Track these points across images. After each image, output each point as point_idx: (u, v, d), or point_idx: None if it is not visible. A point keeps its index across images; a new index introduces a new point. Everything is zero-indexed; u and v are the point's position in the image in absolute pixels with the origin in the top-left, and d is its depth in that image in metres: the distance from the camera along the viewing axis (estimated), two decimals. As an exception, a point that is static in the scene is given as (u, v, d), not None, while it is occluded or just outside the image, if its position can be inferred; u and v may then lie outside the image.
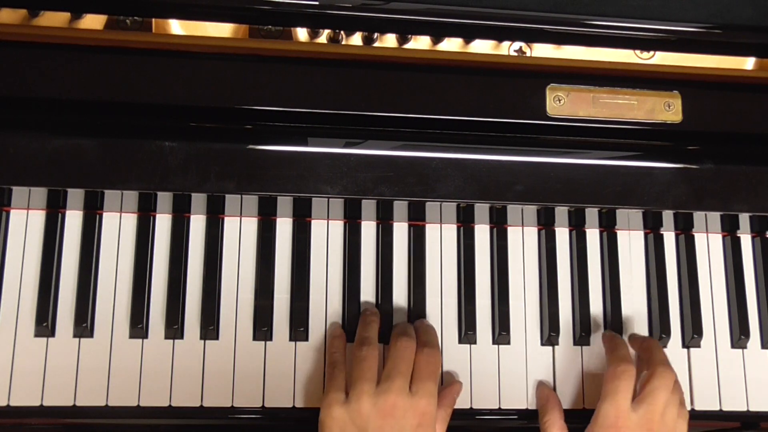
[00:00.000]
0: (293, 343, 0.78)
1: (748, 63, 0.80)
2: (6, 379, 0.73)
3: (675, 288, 0.84)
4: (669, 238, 0.85)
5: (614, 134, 0.77)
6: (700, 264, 0.85)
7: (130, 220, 0.78)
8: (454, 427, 0.77)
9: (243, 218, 0.80)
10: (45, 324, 0.74)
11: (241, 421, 0.76)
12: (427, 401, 0.71)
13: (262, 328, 0.77)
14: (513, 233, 0.83)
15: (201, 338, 0.77)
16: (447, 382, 0.79)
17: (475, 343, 0.80)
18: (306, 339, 0.78)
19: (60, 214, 0.77)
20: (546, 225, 0.83)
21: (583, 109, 0.75)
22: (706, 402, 0.81)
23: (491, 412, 0.79)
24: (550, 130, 0.76)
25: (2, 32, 0.71)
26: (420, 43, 0.77)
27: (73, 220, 0.77)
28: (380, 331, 0.77)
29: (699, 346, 0.83)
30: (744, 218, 0.84)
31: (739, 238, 0.86)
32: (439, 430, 0.74)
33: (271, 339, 0.77)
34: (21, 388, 0.73)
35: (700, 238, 0.86)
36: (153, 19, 0.74)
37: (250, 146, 0.72)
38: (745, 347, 0.84)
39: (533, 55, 0.78)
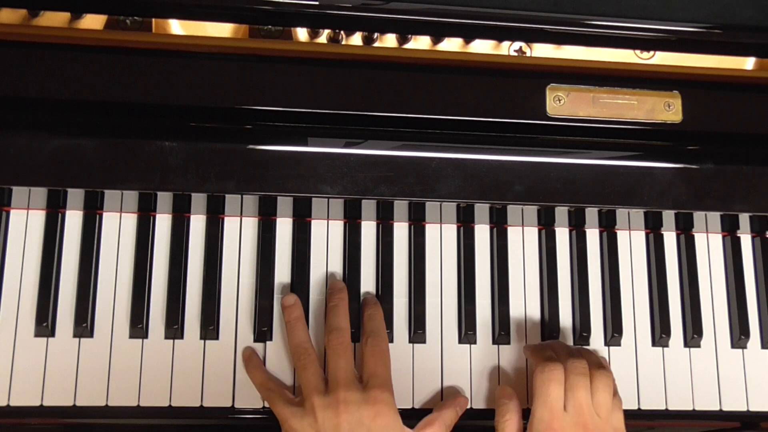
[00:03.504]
0: (293, 343, 0.78)
1: (748, 63, 0.80)
2: (6, 379, 0.73)
3: (675, 288, 0.84)
4: (669, 238, 0.85)
5: (614, 134, 0.77)
6: (700, 264, 0.85)
7: (130, 220, 0.78)
8: (454, 427, 0.77)
9: (243, 218, 0.80)
10: (45, 324, 0.74)
11: (241, 421, 0.76)
12: (379, 390, 0.71)
13: (262, 328, 0.77)
14: (513, 233, 0.83)
15: (201, 338, 0.77)
16: (452, 393, 0.78)
17: (475, 343, 0.80)
18: (306, 339, 0.78)
19: (60, 214, 0.77)
20: (546, 225, 0.83)
21: (583, 109, 0.75)
22: (706, 402, 0.81)
23: (491, 412, 0.78)
24: (550, 130, 0.76)
25: (2, 32, 0.71)
26: (420, 43, 0.77)
27: (73, 220, 0.77)
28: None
29: (699, 346, 0.83)
30: (744, 218, 0.84)
31: (739, 238, 0.86)
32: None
33: (271, 339, 0.77)
34: (21, 388, 0.73)
35: (700, 238, 0.86)
36: (153, 19, 0.74)
37: (250, 146, 0.72)
38: (745, 347, 0.84)
39: (533, 55, 0.78)
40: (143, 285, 0.76)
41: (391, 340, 0.78)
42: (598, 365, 0.73)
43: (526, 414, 0.75)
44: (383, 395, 0.71)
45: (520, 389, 0.79)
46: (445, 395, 0.78)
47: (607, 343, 0.82)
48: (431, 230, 0.82)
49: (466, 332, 0.79)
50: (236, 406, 0.75)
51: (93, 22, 0.73)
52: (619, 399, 0.74)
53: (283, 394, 0.73)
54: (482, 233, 0.83)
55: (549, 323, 0.81)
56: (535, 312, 0.82)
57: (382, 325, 0.77)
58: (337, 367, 0.72)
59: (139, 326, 0.75)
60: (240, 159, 0.71)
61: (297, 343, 0.75)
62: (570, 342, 0.82)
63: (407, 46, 0.77)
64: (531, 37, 0.77)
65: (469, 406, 0.78)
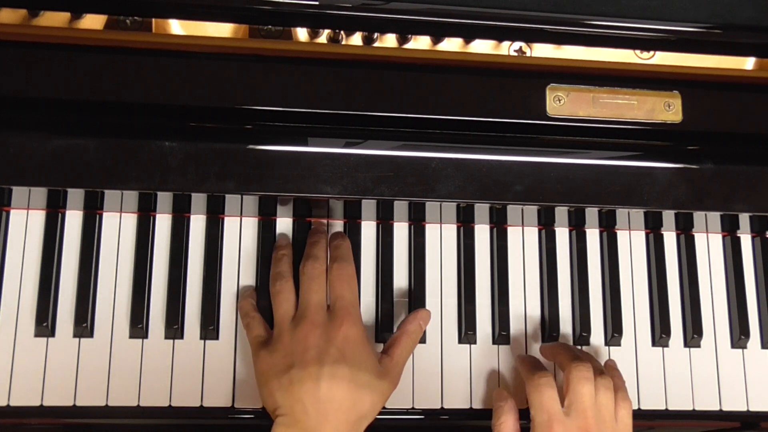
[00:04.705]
0: (293, 343, 0.78)
1: (748, 63, 0.80)
2: (6, 379, 0.73)
3: (675, 288, 0.84)
4: (669, 238, 0.85)
5: (614, 134, 0.77)
6: (700, 264, 0.85)
7: (130, 220, 0.78)
8: (454, 428, 0.77)
9: (243, 218, 0.80)
10: (45, 324, 0.74)
11: (241, 421, 0.76)
12: (345, 311, 0.72)
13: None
14: (513, 233, 0.83)
15: (201, 338, 0.77)
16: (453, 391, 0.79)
17: (474, 343, 0.80)
18: (306, 339, 0.78)
19: (60, 214, 0.77)
20: (546, 225, 0.83)
21: (583, 109, 0.75)
22: (706, 402, 0.82)
23: (491, 412, 0.78)
24: (550, 130, 0.76)
25: (2, 32, 0.71)
26: (420, 43, 0.77)
27: (73, 220, 0.77)
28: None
29: (699, 346, 0.83)
30: (744, 218, 0.84)
31: (739, 238, 0.86)
32: (396, 353, 0.74)
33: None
34: (21, 388, 0.73)
35: (700, 238, 0.86)
36: (153, 19, 0.74)
37: (250, 146, 0.72)
38: (745, 347, 0.84)
39: (533, 55, 0.78)
40: (143, 285, 0.76)
41: (391, 340, 0.78)
42: (599, 371, 0.73)
43: (524, 414, 0.75)
44: (349, 313, 0.72)
45: (519, 389, 0.79)
46: (445, 393, 0.78)
47: (607, 343, 0.82)
48: (431, 230, 0.82)
49: (466, 332, 0.79)
50: (236, 406, 0.75)
51: (93, 22, 0.73)
52: (628, 401, 0.73)
53: (262, 324, 0.74)
54: (482, 233, 0.83)
55: (549, 323, 0.81)
56: (535, 312, 0.82)
57: (349, 253, 0.77)
58: (310, 291, 0.73)
59: (139, 326, 0.75)
60: (240, 159, 0.71)
61: (277, 272, 0.76)
62: (569, 342, 0.82)
63: (407, 46, 0.77)
64: (531, 37, 0.77)
65: (468, 406, 0.78)
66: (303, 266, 0.75)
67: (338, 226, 0.81)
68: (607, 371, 0.76)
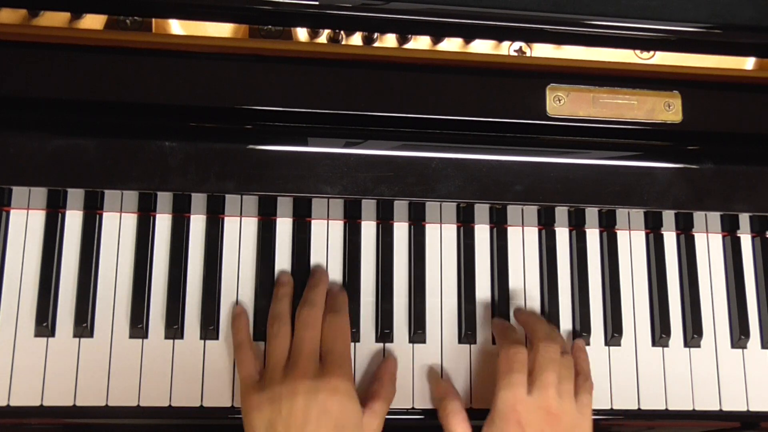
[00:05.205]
0: (293, 343, 0.78)
1: (748, 63, 0.80)
2: (6, 379, 0.73)
3: (675, 288, 0.84)
4: (669, 238, 0.85)
5: (614, 134, 0.77)
6: (700, 264, 0.85)
7: (130, 220, 0.78)
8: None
9: (243, 218, 0.80)
10: (45, 324, 0.74)
11: (241, 422, 0.76)
12: (336, 365, 0.71)
13: (262, 328, 0.77)
14: (513, 233, 0.83)
15: (201, 338, 0.77)
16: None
17: (474, 343, 0.80)
18: (306, 339, 0.78)
19: (60, 214, 0.77)
20: (546, 225, 0.83)
21: (583, 109, 0.75)
22: (706, 402, 0.82)
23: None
24: (550, 130, 0.76)
25: (2, 32, 0.71)
26: (420, 43, 0.77)
27: (73, 220, 0.77)
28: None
29: (699, 346, 0.83)
30: (744, 218, 0.84)
31: (739, 238, 0.86)
32: (378, 409, 0.73)
33: (271, 339, 0.77)
34: (21, 388, 0.73)
35: (700, 238, 0.86)
36: (153, 19, 0.74)
37: (250, 146, 0.72)
38: (745, 347, 0.84)
39: (533, 55, 0.78)
40: (143, 285, 0.76)
41: (391, 340, 0.79)
42: (564, 351, 0.75)
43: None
44: (340, 366, 0.71)
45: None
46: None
47: (607, 343, 0.82)
48: (431, 230, 0.82)
49: (466, 332, 0.79)
50: (236, 406, 0.75)
51: (93, 22, 0.73)
52: (591, 383, 0.75)
53: (253, 362, 0.73)
54: (482, 233, 0.83)
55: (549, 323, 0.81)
56: (535, 312, 0.82)
57: (345, 306, 0.77)
58: (303, 339, 0.72)
59: (139, 326, 0.75)
60: (240, 159, 0.71)
61: (277, 312, 0.75)
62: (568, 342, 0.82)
63: (407, 46, 0.77)
64: (531, 37, 0.77)
65: (468, 406, 0.78)
66: (300, 310, 0.75)
67: (338, 226, 0.81)
68: (575, 352, 0.77)
